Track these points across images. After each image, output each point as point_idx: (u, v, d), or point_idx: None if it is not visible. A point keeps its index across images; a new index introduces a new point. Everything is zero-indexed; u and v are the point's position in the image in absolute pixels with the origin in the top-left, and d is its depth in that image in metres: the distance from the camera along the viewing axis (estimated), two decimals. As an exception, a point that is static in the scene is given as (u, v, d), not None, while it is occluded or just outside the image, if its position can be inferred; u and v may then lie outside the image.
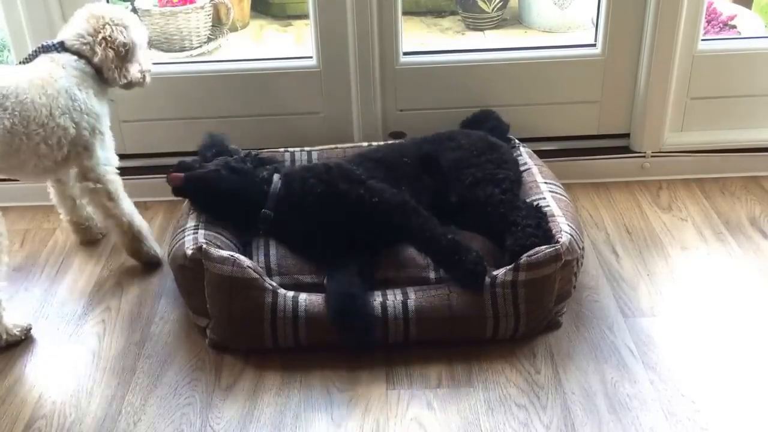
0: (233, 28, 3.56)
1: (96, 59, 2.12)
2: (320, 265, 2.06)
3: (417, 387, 1.84)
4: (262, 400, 1.83)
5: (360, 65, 2.52)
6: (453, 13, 3.74)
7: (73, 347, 2.02)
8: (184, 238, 2.04)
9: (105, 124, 2.20)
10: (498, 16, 3.63)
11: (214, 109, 2.60)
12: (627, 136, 2.67)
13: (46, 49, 2.13)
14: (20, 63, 2.16)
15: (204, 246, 1.97)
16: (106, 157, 2.20)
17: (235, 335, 1.97)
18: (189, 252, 1.98)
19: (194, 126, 2.55)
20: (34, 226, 2.55)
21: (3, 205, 2.61)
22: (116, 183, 2.21)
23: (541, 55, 2.61)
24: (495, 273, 1.93)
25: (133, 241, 2.26)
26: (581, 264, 2.09)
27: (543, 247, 1.93)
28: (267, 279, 1.95)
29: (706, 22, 2.80)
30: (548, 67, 2.58)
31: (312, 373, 1.89)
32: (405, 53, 2.56)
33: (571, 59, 2.57)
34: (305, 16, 2.50)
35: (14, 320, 2.03)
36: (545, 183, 2.24)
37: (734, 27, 3.02)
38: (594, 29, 2.59)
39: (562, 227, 2.01)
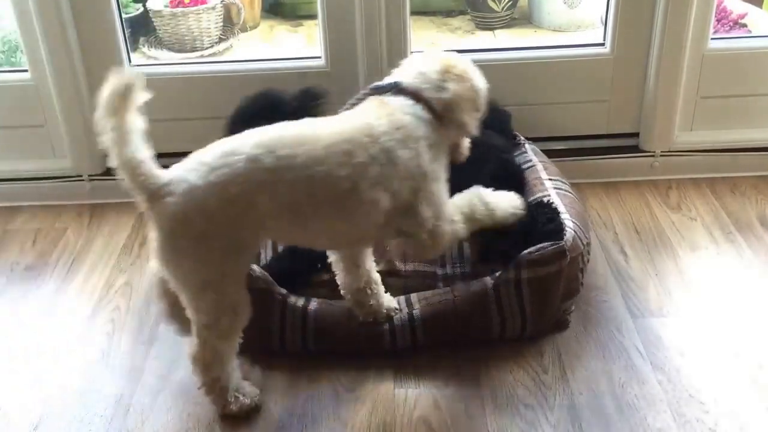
0: (244, 29, 3.57)
1: (445, 95, 1.72)
2: None
3: (424, 386, 1.85)
4: (270, 398, 1.83)
5: (368, 65, 2.52)
6: (462, 12, 3.74)
7: (83, 347, 2.03)
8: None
9: (434, 181, 1.72)
10: (508, 15, 3.62)
11: (226, 110, 2.59)
12: (636, 135, 2.66)
13: (377, 90, 1.76)
14: (349, 106, 1.78)
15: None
16: (434, 215, 1.72)
17: (245, 339, 1.96)
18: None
19: (205, 126, 2.55)
20: (46, 225, 2.57)
21: (15, 205, 2.65)
22: (444, 236, 1.74)
23: (550, 54, 2.60)
24: (498, 273, 1.93)
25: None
26: (587, 260, 2.08)
27: (546, 243, 1.91)
28: (276, 289, 1.93)
29: (716, 20, 2.78)
30: (557, 67, 2.57)
31: (319, 372, 1.90)
32: (413, 53, 2.55)
33: (580, 58, 2.56)
34: (316, 17, 2.51)
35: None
36: (550, 180, 2.23)
37: (745, 26, 2.99)
38: (603, 28, 2.58)
39: (566, 223, 2.00)
